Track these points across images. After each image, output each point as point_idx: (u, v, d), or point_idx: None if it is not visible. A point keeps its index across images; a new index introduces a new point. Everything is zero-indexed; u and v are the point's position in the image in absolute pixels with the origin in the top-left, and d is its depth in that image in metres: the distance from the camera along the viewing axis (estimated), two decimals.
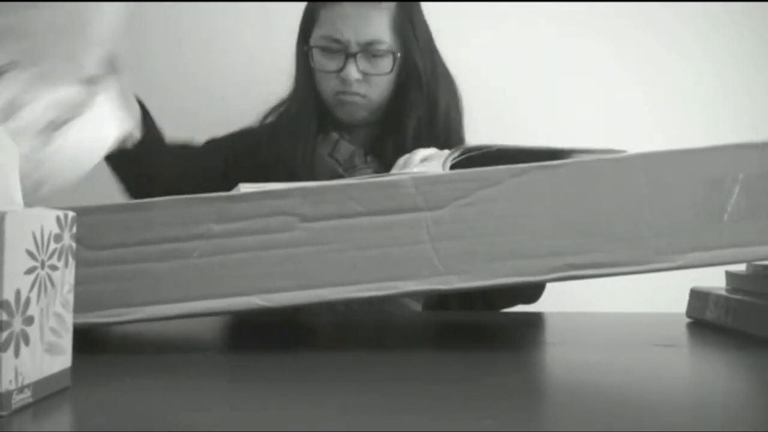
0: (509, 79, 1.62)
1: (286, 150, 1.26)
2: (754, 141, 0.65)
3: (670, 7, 1.63)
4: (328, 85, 1.26)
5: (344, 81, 1.23)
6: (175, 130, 1.51)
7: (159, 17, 1.58)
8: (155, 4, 1.57)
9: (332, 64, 1.24)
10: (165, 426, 0.44)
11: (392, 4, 1.25)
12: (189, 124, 1.54)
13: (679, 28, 1.64)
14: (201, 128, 1.54)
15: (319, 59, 1.25)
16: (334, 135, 1.28)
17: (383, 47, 1.23)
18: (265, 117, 1.37)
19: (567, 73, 1.63)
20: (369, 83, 1.24)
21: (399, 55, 1.24)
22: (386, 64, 1.24)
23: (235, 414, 0.47)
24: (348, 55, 1.22)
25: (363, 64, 1.23)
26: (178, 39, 1.60)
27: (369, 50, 1.22)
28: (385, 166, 1.22)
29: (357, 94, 1.24)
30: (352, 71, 1.22)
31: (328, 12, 1.24)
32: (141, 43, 1.57)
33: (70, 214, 0.50)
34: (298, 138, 1.27)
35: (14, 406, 0.44)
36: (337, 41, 1.23)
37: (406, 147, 1.19)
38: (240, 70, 1.60)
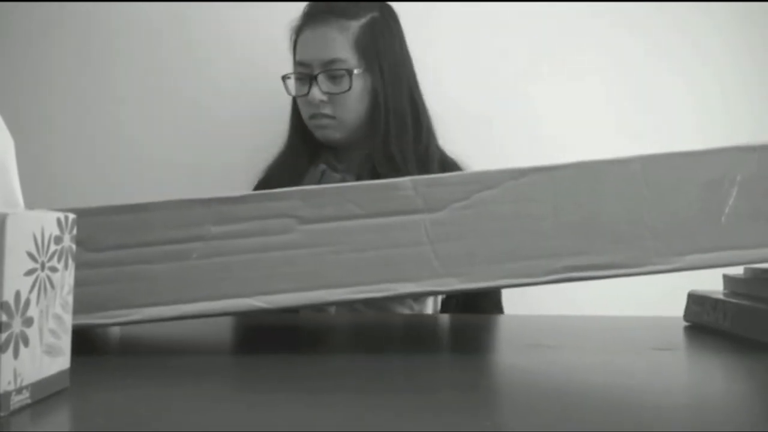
0: (499, 86, 1.62)
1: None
2: (752, 144, 0.65)
3: (663, 11, 1.63)
4: (304, 111, 1.31)
5: (311, 103, 1.27)
6: (185, 125, 1.52)
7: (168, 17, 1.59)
8: (164, 4, 1.57)
9: (300, 89, 1.29)
10: (163, 428, 0.44)
11: (355, 25, 1.29)
12: (196, 121, 1.55)
13: (672, 32, 1.64)
14: (210, 122, 1.54)
15: (294, 86, 1.31)
16: (321, 166, 1.31)
17: (342, 66, 1.27)
18: (271, 167, 1.40)
19: (560, 79, 1.63)
20: (334, 103, 1.29)
21: (356, 72, 1.27)
22: (345, 83, 1.27)
23: (235, 415, 0.47)
24: (311, 78, 1.26)
25: (325, 84, 1.27)
26: (186, 39, 1.60)
27: (329, 70, 1.27)
28: None
29: (325, 115, 1.28)
30: (315, 92, 1.27)
31: (297, 41, 1.31)
32: (150, 42, 1.58)
33: (71, 216, 0.50)
34: (288, 176, 1.31)
35: (13, 407, 0.44)
36: (303, 65, 1.28)
37: (398, 166, 1.23)
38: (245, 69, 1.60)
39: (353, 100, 1.30)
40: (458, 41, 1.61)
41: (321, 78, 1.28)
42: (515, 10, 1.62)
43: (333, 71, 1.28)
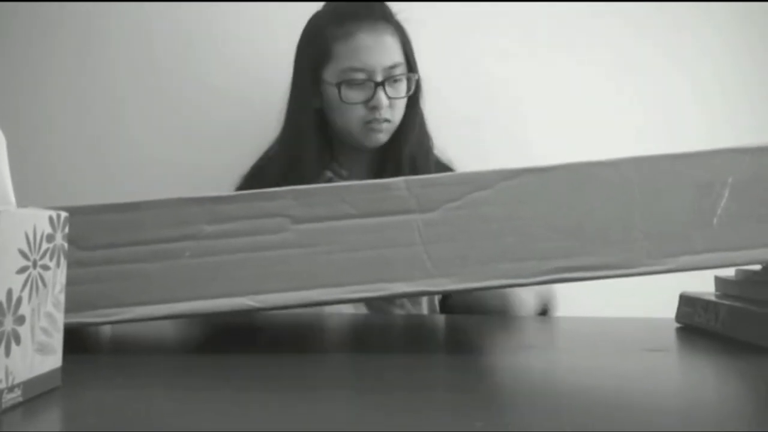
0: (499, 88, 1.62)
1: None
2: (744, 146, 0.65)
3: (663, 11, 1.64)
4: (355, 116, 1.28)
5: (374, 109, 1.26)
6: (183, 129, 1.52)
7: (165, 18, 1.58)
8: (161, 4, 1.57)
9: (360, 95, 1.27)
10: (154, 426, 0.44)
11: (398, 28, 1.30)
12: (193, 124, 1.55)
13: (673, 32, 1.64)
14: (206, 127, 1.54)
15: (345, 92, 1.27)
16: (327, 174, 1.30)
17: (401, 70, 1.27)
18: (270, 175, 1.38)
19: (559, 81, 1.63)
20: (392, 107, 1.28)
21: (417, 76, 1.28)
22: (404, 87, 1.28)
23: (227, 415, 0.47)
24: (376, 84, 1.25)
25: (388, 89, 1.26)
26: (185, 40, 1.60)
27: (391, 75, 1.26)
28: None
29: (385, 120, 1.27)
30: (383, 98, 1.25)
31: (344, 46, 1.27)
32: (147, 44, 1.57)
33: (63, 214, 0.50)
34: (285, 179, 1.28)
35: (4, 405, 0.44)
36: (361, 71, 1.25)
37: (402, 169, 1.24)
38: (246, 69, 1.60)
39: (404, 103, 1.31)
40: (447, 42, 1.60)
41: (387, 84, 1.27)
42: (512, 9, 1.62)
43: (396, 75, 1.27)
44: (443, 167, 1.37)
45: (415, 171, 1.31)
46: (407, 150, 1.32)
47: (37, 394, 0.47)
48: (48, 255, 0.48)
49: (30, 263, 0.46)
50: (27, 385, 0.46)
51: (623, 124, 1.62)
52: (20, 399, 0.45)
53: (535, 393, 0.56)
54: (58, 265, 0.49)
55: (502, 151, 1.57)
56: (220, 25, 1.59)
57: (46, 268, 0.48)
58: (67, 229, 0.51)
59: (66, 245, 0.51)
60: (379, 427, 0.45)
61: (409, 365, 0.64)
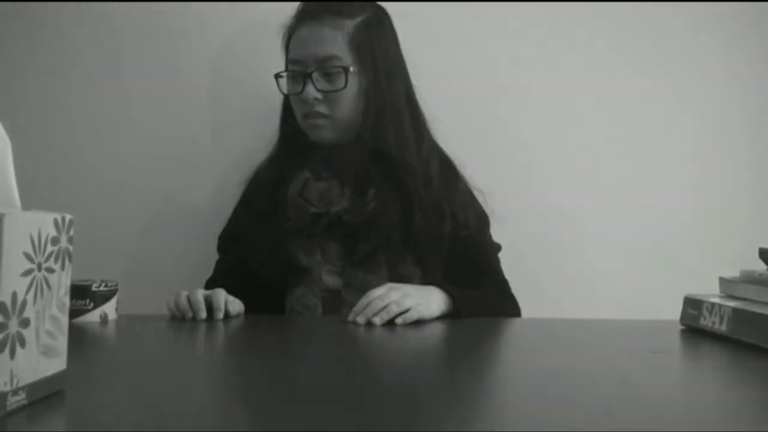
0: (508, 84, 1.61)
1: (263, 193, 1.31)
2: None
3: (673, 7, 1.63)
4: (298, 110, 1.29)
5: (305, 101, 1.26)
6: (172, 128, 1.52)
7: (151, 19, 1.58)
8: (146, 4, 1.56)
9: (297, 87, 1.27)
10: (159, 428, 0.44)
11: (350, 24, 1.28)
12: (185, 124, 1.55)
13: (683, 28, 1.63)
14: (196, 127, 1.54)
15: (288, 85, 1.29)
16: (305, 174, 1.29)
17: (337, 63, 1.26)
18: (260, 168, 1.39)
19: (567, 76, 1.62)
20: (329, 101, 1.26)
21: (351, 69, 1.26)
22: (341, 81, 1.26)
23: (229, 415, 0.47)
24: (305, 76, 1.25)
25: (320, 82, 1.26)
26: (174, 40, 1.60)
27: (324, 68, 1.25)
28: (362, 194, 1.25)
29: (320, 114, 1.26)
30: (310, 90, 1.25)
31: (293, 38, 1.30)
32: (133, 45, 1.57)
33: (68, 217, 0.50)
34: (274, 180, 1.30)
35: (9, 408, 0.44)
36: (298, 63, 1.27)
37: (384, 168, 1.23)
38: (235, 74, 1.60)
39: (348, 98, 1.29)
40: (465, 39, 1.59)
41: (316, 75, 1.26)
42: (519, 10, 1.61)
43: (328, 69, 1.27)
44: (446, 165, 1.35)
45: (404, 169, 1.28)
46: (383, 148, 1.29)
47: (41, 397, 0.47)
48: (53, 258, 0.48)
49: (35, 266, 0.46)
50: (32, 388, 0.46)
51: (626, 126, 1.61)
52: (25, 402, 0.45)
53: (538, 394, 0.56)
54: (63, 267, 0.49)
55: (510, 150, 1.56)
56: (226, 25, 1.59)
57: (51, 270, 0.48)
58: (72, 232, 0.51)
59: (71, 248, 0.51)
60: (372, 425, 0.45)
61: (411, 368, 0.64)
